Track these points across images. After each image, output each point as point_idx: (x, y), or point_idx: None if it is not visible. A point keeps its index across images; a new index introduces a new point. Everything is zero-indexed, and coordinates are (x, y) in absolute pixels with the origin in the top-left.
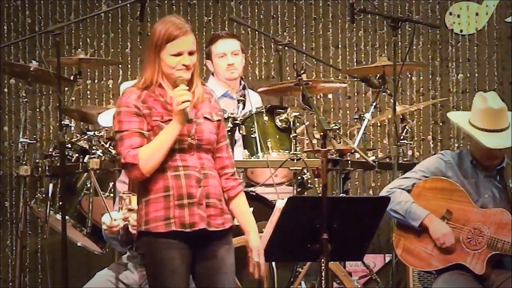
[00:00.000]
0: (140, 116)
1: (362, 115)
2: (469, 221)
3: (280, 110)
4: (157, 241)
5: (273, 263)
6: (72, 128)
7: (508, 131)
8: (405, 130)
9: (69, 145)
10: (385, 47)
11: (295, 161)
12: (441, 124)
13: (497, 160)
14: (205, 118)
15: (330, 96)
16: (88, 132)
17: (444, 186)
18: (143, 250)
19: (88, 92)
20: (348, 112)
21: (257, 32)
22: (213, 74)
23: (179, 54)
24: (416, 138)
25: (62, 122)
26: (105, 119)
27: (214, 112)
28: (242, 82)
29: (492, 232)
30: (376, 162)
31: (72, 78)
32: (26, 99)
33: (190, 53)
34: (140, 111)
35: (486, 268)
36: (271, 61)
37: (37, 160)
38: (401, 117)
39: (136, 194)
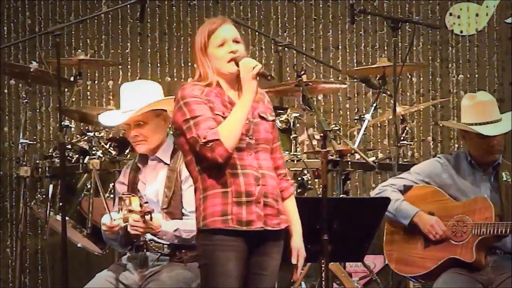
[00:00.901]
0: (207, 105)
1: (362, 116)
2: (451, 216)
3: (280, 111)
4: (213, 241)
5: None
6: (72, 129)
7: (502, 122)
8: (405, 131)
9: (69, 146)
10: (385, 48)
11: (295, 162)
12: (441, 125)
13: (495, 155)
14: (261, 117)
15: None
16: (88, 133)
17: (421, 192)
18: (199, 250)
19: (88, 93)
20: (348, 113)
21: (257, 33)
22: None
23: (223, 44)
24: (416, 139)
25: (62, 123)
26: (106, 119)
27: (269, 112)
28: None
29: (475, 219)
30: (376, 163)
31: (72, 79)
32: (26, 100)
33: (235, 41)
34: (207, 102)
35: (476, 254)
36: (271, 62)
37: (37, 161)
38: (401, 118)
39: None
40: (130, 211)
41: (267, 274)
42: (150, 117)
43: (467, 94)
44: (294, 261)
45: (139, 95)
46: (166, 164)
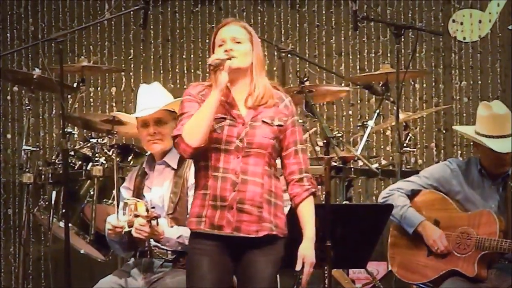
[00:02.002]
0: (199, 103)
1: (365, 123)
2: (456, 226)
3: None
4: (192, 244)
5: None
6: (75, 136)
7: None
8: (408, 137)
9: (72, 153)
10: (388, 54)
11: None
12: (444, 131)
13: (506, 167)
14: (264, 122)
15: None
16: (91, 140)
17: (428, 198)
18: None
19: (91, 99)
20: (351, 119)
21: (259, 40)
22: None
23: (223, 43)
24: (419, 146)
25: (65, 130)
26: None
27: (278, 117)
28: None
29: (479, 233)
30: (379, 170)
31: (75, 85)
32: (29, 107)
33: (235, 41)
34: (200, 102)
35: (477, 269)
36: (274, 68)
37: (40, 168)
38: (404, 124)
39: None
40: (136, 216)
41: (253, 284)
42: (169, 118)
43: (484, 103)
44: (297, 268)
45: (161, 94)
46: (173, 169)
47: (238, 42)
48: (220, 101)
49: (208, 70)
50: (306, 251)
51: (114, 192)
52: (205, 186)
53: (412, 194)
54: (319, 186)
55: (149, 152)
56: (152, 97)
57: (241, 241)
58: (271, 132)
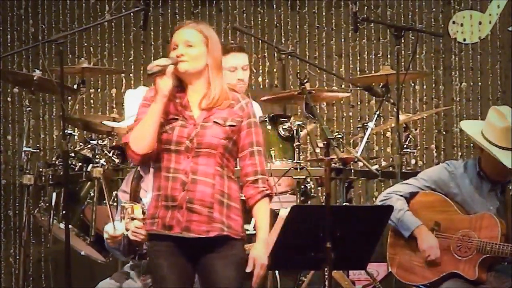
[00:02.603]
0: None
1: (365, 124)
2: (457, 229)
3: (283, 119)
4: (151, 245)
5: (277, 272)
6: (76, 137)
7: None
8: (409, 139)
9: (73, 154)
10: (388, 56)
11: (298, 170)
12: (444, 133)
13: (508, 177)
14: (215, 122)
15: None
16: (91, 141)
17: (429, 199)
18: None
19: (92, 101)
20: (351, 121)
21: (260, 41)
22: None
23: (176, 47)
24: (419, 147)
25: (66, 131)
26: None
27: (231, 118)
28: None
29: (480, 236)
30: (380, 171)
31: (75, 87)
32: (29, 108)
33: (187, 44)
34: None
35: (478, 272)
36: (274, 69)
37: (41, 169)
38: (405, 126)
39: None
40: (133, 219)
41: (216, 286)
42: None
43: (497, 110)
44: (248, 270)
45: None
46: None
47: (190, 46)
48: (173, 102)
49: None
50: (258, 252)
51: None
52: (159, 187)
53: (410, 197)
54: (319, 188)
55: None
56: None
57: (194, 242)
58: (222, 132)
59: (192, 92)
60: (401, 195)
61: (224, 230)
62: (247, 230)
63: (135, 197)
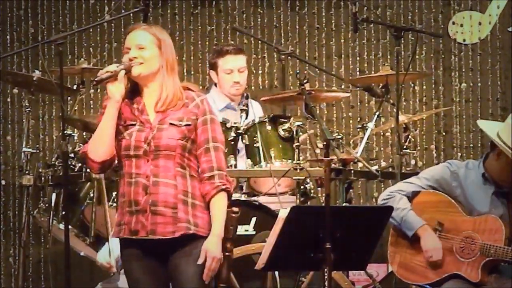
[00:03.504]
0: None
1: (365, 125)
2: (460, 230)
3: (283, 120)
4: (121, 252)
5: (276, 273)
6: (75, 138)
7: None
8: (408, 139)
9: (72, 155)
10: (388, 56)
11: (298, 170)
12: (444, 133)
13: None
14: (171, 124)
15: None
16: None
17: (433, 199)
18: None
19: (91, 101)
20: (351, 121)
21: (260, 42)
22: (215, 85)
23: (129, 50)
24: (419, 148)
25: (65, 132)
26: None
27: (187, 117)
28: (245, 93)
29: (484, 239)
30: (379, 172)
31: (75, 87)
32: (29, 109)
33: (138, 47)
34: None
35: (481, 275)
36: (274, 70)
37: (40, 170)
38: (404, 126)
39: None
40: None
41: (180, 286)
42: None
43: None
44: (199, 262)
45: None
46: None
47: (142, 48)
48: (131, 108)
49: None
50: (210, 245)
51: (114, 194)
52: (123, 194)
53: (413, 196)
54: (319, 188)
55: None
56: None
57: (160, 243)
58: (178, 133)
59: (148, 95)
60: (404, 194)
61: (191, 228)
62: (247, 230)
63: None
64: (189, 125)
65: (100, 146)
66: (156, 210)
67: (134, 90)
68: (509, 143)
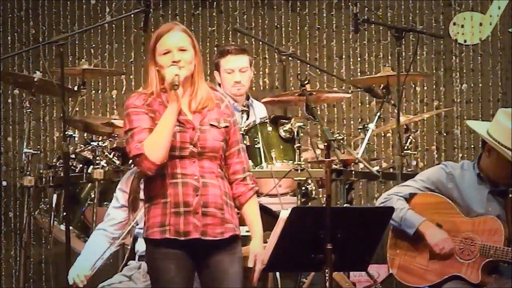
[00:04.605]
0: (147, 115)
1: (366, 125)
2: (459, 231)
3: (284, 121)
4: (154, 251)
5: (277, 274)
6: (76, 139)
7: None
8: (409, 140)
9: (73, 156)
10: (389, 57)
11: (299, 171)
12: (445, 134)
13: (506, 180)
14: (211, 125)
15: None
16: (92, 143)
17: (432, 200)
18: (146, 258)
19: (92, 102)
20: (352, 122)
21: (261, 43)
22: (219, 85)
23: (168, 52)
24: (420, 148)
25: (66, 133)
26: None
27: (223, 118)
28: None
29: (483, 240)
30: (380, 172)
31: (76, 88)
32: (30, 110)
33: (180, 49)
34: (148, 112)
35: (481, 276)
36: (275, 71)
37: (41, 171)
38: (405, 127)
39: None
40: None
41: (227, 285)
42: None
43: (505, 110)
44: (250, 264)
45: None
46: None
47: (184, 50)
48: (165, 107)
49: (171, 87)
50: (258, 249)
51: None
52: (164, 195)
53: (410, 198)
54: (320, 189)
55: None
56: None
57: (206, 245)
58: (220, 134)
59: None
60: (401, 196)
61: (236, 230)
62: (248, 231)
63: (134, 197)
64: (227, 126)
65: (162, 149)
66: (207, 212)
67: (165, 91)
68: (499, 139)
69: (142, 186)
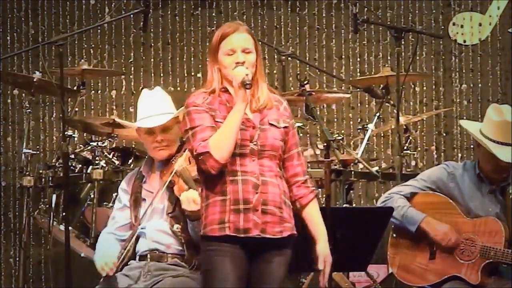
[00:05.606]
0: (208, 113)
1: (365, 126)
2: (460, 232)
3: None
4: (211, 247)
5: None
6: (76, 139)
7: None
8: (409, 140)
9: (73, 156)
10: (389, 57)
11: None
12: (444, 134)
13: (504, 174)
14: (271, 124)
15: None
16: (91, 143)
17: (433, 200)
18: (201, 257)
19: (92, 102)
20: (351, 122)
21: (260, 43)
22: None
23: (233, 52)
24: (419, 149)
25: (66, 133)
26: (144, 122)
27: (282, 119)
28: None
29: (484, 241)
30: (380, 173)
31: (75, 88)
32: (29, 110)
33: (245, 51)
34: (209, 111)
35: (481, 277)
36: (275, 71)
37: (41, 171)
38: (405, 127)
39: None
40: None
41: (268, 284)
42: (173, 124)
43: (496, 106)
44: (321, 267)
45: (164, 100)
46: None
47: (249, 52)
48: (225, 107)
49: (242, 86)
50: (326, 250)
51: (114, 195)
52: (223, 192)
53: (411, 197)
54: (319, 189)
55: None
56: (156, 104)
57: (264, 243)
58: (279, 134)
59: None
60: (402, 195)
61: (293, 229)
62: None
63: (136, 198)
64: (286, 127)
65: (228, 147)
66: (266, 209)
67: (225, 90)
68: (488, 134)
69: (143, 186)
